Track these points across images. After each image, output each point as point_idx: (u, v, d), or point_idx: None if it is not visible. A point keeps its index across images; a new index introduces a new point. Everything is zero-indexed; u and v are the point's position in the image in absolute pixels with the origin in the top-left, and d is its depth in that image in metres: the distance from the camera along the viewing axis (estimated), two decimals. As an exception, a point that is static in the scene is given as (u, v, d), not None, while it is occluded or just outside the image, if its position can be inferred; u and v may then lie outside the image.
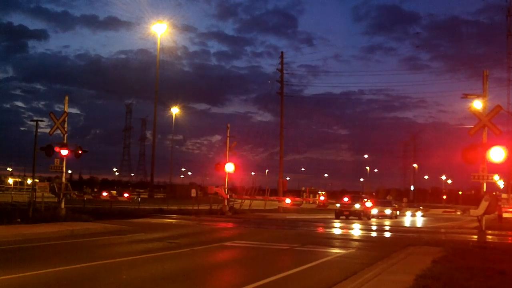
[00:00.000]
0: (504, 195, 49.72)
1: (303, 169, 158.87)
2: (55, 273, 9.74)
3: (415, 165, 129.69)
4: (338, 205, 39.24)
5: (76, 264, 10.80)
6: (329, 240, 18.74)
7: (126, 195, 41.09)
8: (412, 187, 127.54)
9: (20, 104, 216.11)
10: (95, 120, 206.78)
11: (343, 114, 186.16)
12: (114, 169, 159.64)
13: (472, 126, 16.55)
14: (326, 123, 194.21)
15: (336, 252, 14.78)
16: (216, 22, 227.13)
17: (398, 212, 47.79)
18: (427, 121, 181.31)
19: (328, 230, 25.20)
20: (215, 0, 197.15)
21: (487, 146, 15.85)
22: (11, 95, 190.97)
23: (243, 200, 43.23)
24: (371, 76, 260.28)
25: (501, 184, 53.25)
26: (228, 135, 36.50)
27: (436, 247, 15.41)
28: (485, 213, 16.06)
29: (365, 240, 20.06)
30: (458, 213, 33.33)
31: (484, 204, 15.95)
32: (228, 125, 36.60)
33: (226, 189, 35.49)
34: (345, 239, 19.90)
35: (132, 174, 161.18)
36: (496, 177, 25.13)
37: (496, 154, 15.62)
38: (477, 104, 17.08)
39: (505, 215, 34.25)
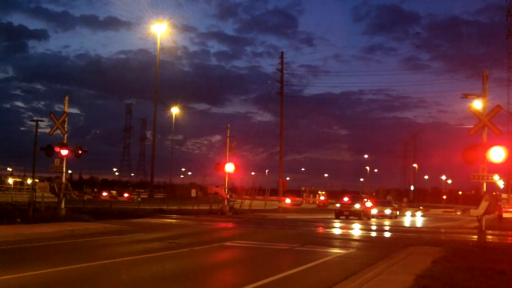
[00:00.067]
0: (504, 195, 49.79)
1: (303, 169, 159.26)
2: (55, 273, 9.73)
3: (415, 165, 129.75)
4: (338, 205, 39.23)
5: (76, 264, 10.79)
6: (329, 240, 18.73)
7: (126, 195, 41.16)
8: (412, 187, 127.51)
9: (20, 104, 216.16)
10: (95, 120, 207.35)
11: (343, 114, 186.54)
12: (114, 169, 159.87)
13: (472, 126, 16.55)
14: (326, 123, 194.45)
15: (336, 252, 14.78)
16: (216, 22, 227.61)
17: (398, 212, 47.79)
18: (427, 121, 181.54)
19: (328, 230, 25.19)
20: (215, 0, 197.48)
21: (487, 146, 15.85)
22: (11, 95, 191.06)
23: (243, 200, 43.23)
24: (371, 76, 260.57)
25: (501, 184, 53.33)
26: (228, 135, 36.52)
27: (436, 247, 15.40)
28: (485, 213, 16.06)
29: (365, 240, 20.06)
30: (458, 213, 33.37)
31: (484, 204, 15.95)
32: (228, 125, 36.65)
33: (226, 189, 35.50)
34: (345, 239, 19.90)
35: (132, 174, 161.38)
36: (496, 177, 25.12)
37: (496, 154, 15.62)
38: (477, 104, 17.08)
39: (505, 215, 34.29)
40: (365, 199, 40.11)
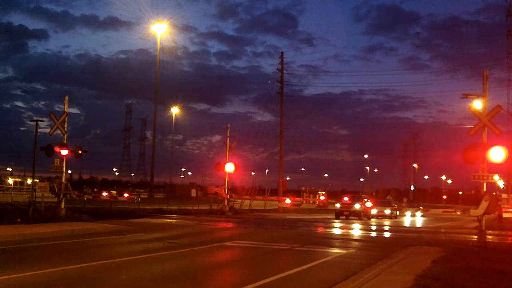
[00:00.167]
0: (504, 195, 49.86)
1: (303, 169, 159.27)
2: (55, 273, 9.73)
3: (415, 165, 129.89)
4: (338, 205, 39.20)
5: (76, 264, 10.80)
6: (329, 240, 18.73)
7: (126, 195, 41.20)
8: (412, 187, 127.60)
9: (20, 104, 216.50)
10: (95, 120, 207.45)
11: (343, 114, 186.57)
12: (114, 169, 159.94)
13: (472, 126, 16.54)
14: (326, 123, 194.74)
15: (336, 252, 14.78)
16: (216, 22, 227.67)
17: (398, 212, 47.83)
18: (427, 121, 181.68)
19: (328, 230, 25.19)
20: (215, 0, 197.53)
21: (487, 146, 15.85)
22: (11, 95, 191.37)
23: (243, 200, 43.25)
24: (371, 76, 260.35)
25: (501, 184, 53.38)
26: (228, 135, 36.53)
27: (436, 247, 15.40)
28: (485, 213, 16.05)
29: (365, 240, 20.06)
30: (458, 213, 33.41)
31: (484, 204, 15.94)
32: (228, 125, 36.66)
33: (226, 189, 35.51)
34: (345, 239, 19.89)
35: (132, 174, 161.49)
36: (496, 177, 25.06)
37: (496, 154, 15.61)
38: (477, 104, 17.06)
39: (505, 215, 34.29)
40: (365, 199, 40.13)
